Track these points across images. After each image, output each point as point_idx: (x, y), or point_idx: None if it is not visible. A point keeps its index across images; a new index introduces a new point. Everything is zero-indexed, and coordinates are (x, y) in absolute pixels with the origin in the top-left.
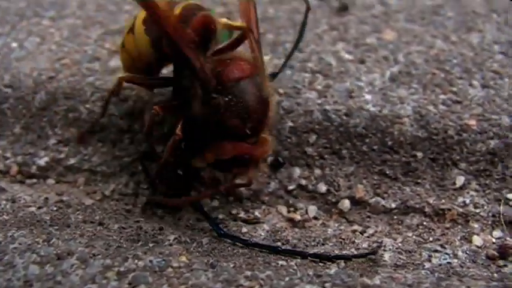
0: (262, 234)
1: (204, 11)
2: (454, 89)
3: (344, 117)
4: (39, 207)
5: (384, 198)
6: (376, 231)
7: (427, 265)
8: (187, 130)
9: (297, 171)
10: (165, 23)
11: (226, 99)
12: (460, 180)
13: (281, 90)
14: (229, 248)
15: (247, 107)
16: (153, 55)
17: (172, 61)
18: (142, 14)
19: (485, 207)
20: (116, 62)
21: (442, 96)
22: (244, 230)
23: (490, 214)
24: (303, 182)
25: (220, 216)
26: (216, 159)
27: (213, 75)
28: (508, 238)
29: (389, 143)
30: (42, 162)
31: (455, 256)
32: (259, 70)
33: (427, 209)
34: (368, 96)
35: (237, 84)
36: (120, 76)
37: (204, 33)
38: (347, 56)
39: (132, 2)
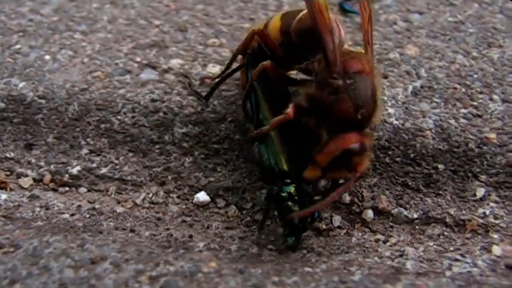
0: (289, 241)
1: None
2: (475, 103)
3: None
4: (72, 214)
5: (406, 209)
6: (398, 241)
7: (448, 273)
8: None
9: (322, 182)
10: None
11: (347, 82)
12: (480, 191)
13: None
14: (257, 255)
15: (363, 97)
16: (278, 39)
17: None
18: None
19: (505, 218)
20: (146, 75)
21: (463, 110)
22: (271, 238)
23: (510, 225)
24: None
25: (248, 224)
26: (331, 163)
27: (340, 60)
28: None
29: (412, 155)
30: (74, 171)
31: (475, 265)
32: (375, 75)
33: (448, 220)
34: (391, 110)
35: (360, 75)
36: (254, 28)
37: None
38: None
39: (161, 17)
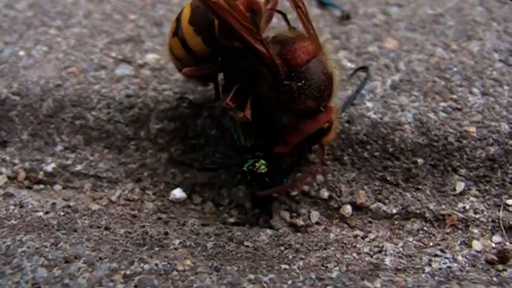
0: (265, 238)
1: None
2: (454, 96)
3: (346, 125)
4: (47, 212)
5: (385, 204)
6: (377, 236)
7: (427, 269)
8: (256, 117)
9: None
10: (229, 19)
11: (299, 84)
12: (460, 186)
13: None
14: (233, 252)
15: (319, 86)
16: (208, 51)
17: (227, 50)
18: (186, 15)
19: (485, 213)
20: (121, 70)
21: (443, 104)
22: (247, 233)
23: (490, 219)
24: (306, 188)
25: (225, 221)
26: (302, 143)
27: (281, 61)
28: (507, 243)
29: (391, 149)
30: (49, 168)
31: (455, 260)
32: (319, 46)
33: (427, 215)
34: (369, 104)
35: (307, 67)
36: (184, 70)
37: (253, 16)
38: (349, 64)
39: (137, 11)
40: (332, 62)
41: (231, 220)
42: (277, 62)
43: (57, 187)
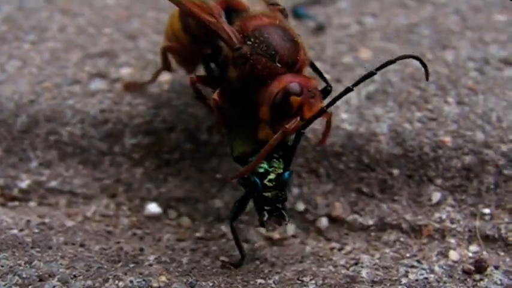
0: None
1: None
2: (430, 106)
3: (321, 136)
4: (21, 230)
5: (361, 216)
6: (353, 248)
7: (404, 280)
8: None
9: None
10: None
11: (249, 43)
12: (436, 196)
13: None
14: (209, 268)
15: (274, 43)
16: (186, 39)
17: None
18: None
19: (461, 223)
20: (95, 84)
21: (418, 114)
22: (223, 247)
23: (466, 229)
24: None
25: (200, 235)
26: (272, 112)
27: (234, 29)
28: (484, 252)
29: (366, 160)
30: (23, 184)
31: (432, 271)
32: (279, 21)
33: (403, 225)
34: (344, 115)
35: (260, 29)
36: (163, 46)
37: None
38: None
39: (111, 25)
40: (295, 30)
41: (207, 235)
42: (228, 29)
43: (32, 204)
